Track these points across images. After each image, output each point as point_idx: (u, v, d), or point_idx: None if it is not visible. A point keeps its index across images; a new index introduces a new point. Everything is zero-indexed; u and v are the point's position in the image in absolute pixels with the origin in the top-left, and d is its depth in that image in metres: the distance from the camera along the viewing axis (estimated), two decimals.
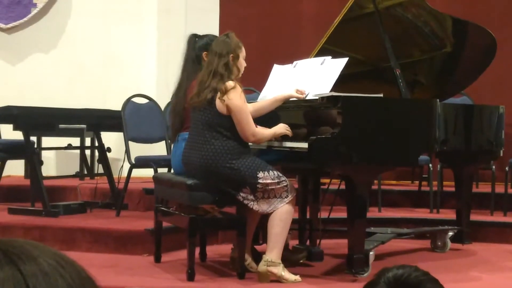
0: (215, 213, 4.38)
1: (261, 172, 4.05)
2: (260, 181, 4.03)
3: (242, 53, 4.22)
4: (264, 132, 4.18)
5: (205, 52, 4.49)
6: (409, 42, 5.13)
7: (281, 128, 4.23)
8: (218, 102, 4.06)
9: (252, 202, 4.08)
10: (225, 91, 4.04)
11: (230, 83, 4.06)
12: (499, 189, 6.00)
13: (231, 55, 4.14)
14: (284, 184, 4.08)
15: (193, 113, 4.21)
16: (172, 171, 4.95)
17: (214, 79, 4.09)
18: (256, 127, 4.14)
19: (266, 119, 4.43)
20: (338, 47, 4.90)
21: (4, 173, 6.13)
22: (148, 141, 5.98)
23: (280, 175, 4.10)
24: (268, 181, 4.05)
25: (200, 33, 4.74)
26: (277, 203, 4.07)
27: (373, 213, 5.75)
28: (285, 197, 4.07)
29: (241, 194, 4.08)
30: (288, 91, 4.32)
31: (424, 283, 1.16)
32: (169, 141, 5.93)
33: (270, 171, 4.08)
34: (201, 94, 4.11)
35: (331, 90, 4.15)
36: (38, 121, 5.66)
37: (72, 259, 0.75)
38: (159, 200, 4.95)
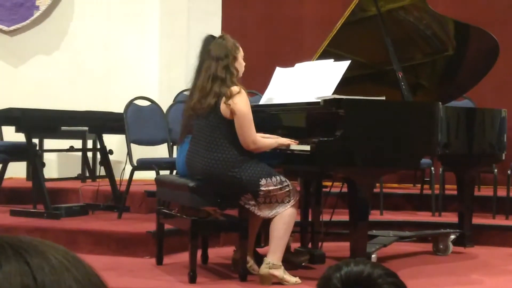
0: (217, 216, 4.38)
1: (263, 179, 4.03)
2: (262, 188, 4.02)
3: (240, 53, 4.19)
4: (266, 141, 4.13)
5: None
6: (411, 45, 5.13)
7: (286, 139, 4.18)
8: (223, 106, 4.03)
9: (253, 207, 4.08)
10: (230, 96, 4.02)
11: (235, 88, 4.03)
12: (501, 192, 6.01)
13: (230, 57, 4.12)
14: (287, 189, 4.06)
15: (196, 120, 4.18)
16: (175, 172, 4.95)
17: (215, 84, 4.06)
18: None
19: (264, 123, 4.43)
20: (341, 50, 4.90)
21: (6, 175, 6.14)
22: (150, 143, 5.98)
23: (283, 179, 4.08)
24: (271, 187, 4.03)
25: (203, 36, 4.69)
26: (279, 208, 4.06)
27: (375, 216, 5.75)
28: (287, 202, 4.06)
29: (243, 199, 4.08)
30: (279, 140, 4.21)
31: (380, 284, 1.14)
32: (171, 143, 5.94)
33: (273, 177, 4.06)
34: (203, 101, 4.08)
35: (333, 93, 4.15)
36: (40, 123, 5.66)
37: (77, 255, 0.75)
38: (161, 203, 4.94)
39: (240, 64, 4.18)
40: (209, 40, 4.36)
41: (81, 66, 7.60)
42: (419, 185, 6.64)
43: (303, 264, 4.57)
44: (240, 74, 4.19)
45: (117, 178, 5.92)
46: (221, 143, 4.06)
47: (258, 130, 4.11)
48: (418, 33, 5.06)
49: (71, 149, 6.16)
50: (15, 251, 0.70)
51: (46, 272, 0.69)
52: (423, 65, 5.24)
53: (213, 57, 4.11)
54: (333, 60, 4.41)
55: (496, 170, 5.98)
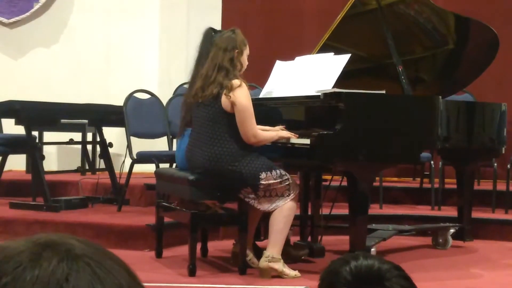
0: (217, 209, 4.38)
1: (263, 173, 4.03)
2: (262, 182, 4.02)
3: (246, 51, 4.20)
4: (266, 134, 4.14)
5: None
6: (411, 39, 5.12)
7: (287, 132, 4.19)
8: (223, 98, 4.03)
9: (253, 201, 4.08)
10: (231, 89, 4.01)
11: (236, 82, 4.03)
12: (501, 186, 6.01)
13: (236, 50, 4.12)
14: (287, 183, 4.07)
15: (196, 109, 4.18)
16: (174, 165, 4.94)
17: (220, 74, 4.06)
18: None
19: (266, 117, 4.43)
20: (341, 44, 4.90)
21: (6, 168, 6.13)
22: (150, 136, 5.98)
23: (283, 173, 4.08)
24: (271, 181, 4.03)
25: (203, 29, 4.68)
26: (279, 201, 4.06)
27: (374, 210, 5.75)
28: (287, 196, 4.07)
29: (243, 192, 4.08)
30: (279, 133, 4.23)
31: (389, 277, 1.14)
32: (170, 136, 5.94)
33: (273, 170, 4.06)
34: (206, 89, 4.08)
35: (334, 86, 4.15)
36: (40, 115, 5.66)
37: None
38: (161, 196, 4.95)
39: (244, 61, 4.18)
40: (209, 32, 4.36)
41: (80, 59, 7.59)
42: (419, 179, 6.64)
43: (303, 257, 4.57)
44: (242, 70, 4.19)
45: (116, 171, 5.92)
46: (221, 136, 4.06)
47: (258, 123, 4.11)
48: (419, 27, 5.05)
49: (71, 142, 6.16)
50: (70, 253, 0.69)
51: (101, 264, 0.69)
52: (424, 59, 5.23)
53: (220, 48, 4.10)
54: (333, 53, 4.41)
55: (495, 164, 5.98)
